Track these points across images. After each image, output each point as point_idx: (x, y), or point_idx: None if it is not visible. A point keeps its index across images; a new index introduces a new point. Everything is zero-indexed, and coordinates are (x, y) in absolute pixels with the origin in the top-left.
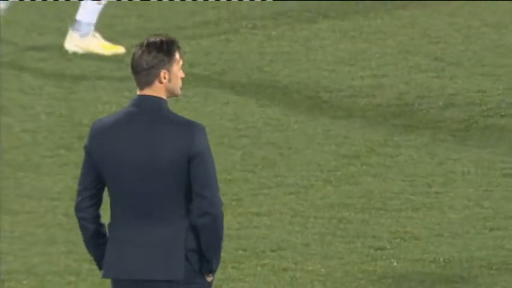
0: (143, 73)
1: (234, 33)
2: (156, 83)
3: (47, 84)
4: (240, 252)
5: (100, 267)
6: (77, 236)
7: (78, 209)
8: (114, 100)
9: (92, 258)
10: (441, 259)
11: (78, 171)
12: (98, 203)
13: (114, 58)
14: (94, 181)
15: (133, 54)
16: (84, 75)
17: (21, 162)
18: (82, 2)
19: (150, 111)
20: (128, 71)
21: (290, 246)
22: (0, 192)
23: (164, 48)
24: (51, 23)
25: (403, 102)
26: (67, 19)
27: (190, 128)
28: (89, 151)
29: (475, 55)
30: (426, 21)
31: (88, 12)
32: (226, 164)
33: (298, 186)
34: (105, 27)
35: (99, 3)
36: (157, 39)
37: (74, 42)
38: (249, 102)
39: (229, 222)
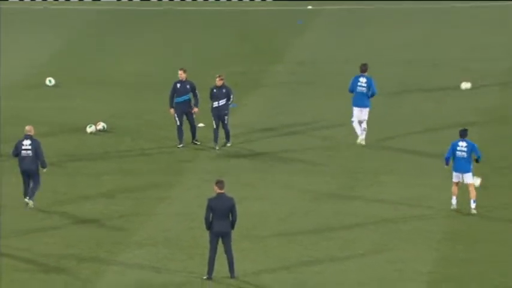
0: (223, 188)
1: None
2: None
3: None
4: None
5: (209, 230)
6: None
7: (208, 220)
8: None
9: (208, 229)
10: None
11: None
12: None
13: None
14: (210, 213)
15: (221, 183)
16: None
17: None
18: None
19: (225, 196)
20: None
21: None
22: None
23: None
24: None
25: None
26: None
27: (233, 199)
28: (210, 205)
29: None
30: None
31: None
32: None
33: None
34: None
35: None
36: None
37: None
38: None
39: None
